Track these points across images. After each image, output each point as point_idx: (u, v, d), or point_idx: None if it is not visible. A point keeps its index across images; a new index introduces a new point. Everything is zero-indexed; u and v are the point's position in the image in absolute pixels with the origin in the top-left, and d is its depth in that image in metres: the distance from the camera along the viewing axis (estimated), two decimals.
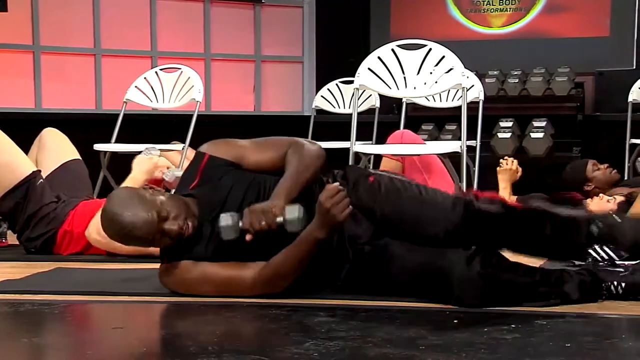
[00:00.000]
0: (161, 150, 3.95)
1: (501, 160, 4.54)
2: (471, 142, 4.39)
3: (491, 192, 2.57)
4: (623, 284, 2.44)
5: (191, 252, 2.51)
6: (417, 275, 2.43)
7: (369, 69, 3.84)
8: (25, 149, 3.78)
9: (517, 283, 2.39)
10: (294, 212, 2.38)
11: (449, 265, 2.36)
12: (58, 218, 3.55)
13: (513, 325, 2.13)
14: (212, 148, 2.58)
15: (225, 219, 2.40)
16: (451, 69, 3.76)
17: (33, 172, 3.61)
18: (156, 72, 4.83)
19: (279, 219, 2.39)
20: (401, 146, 4.02)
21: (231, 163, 2.54)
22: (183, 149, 4.29)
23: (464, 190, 3.72)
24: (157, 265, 3.06)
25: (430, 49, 3.79)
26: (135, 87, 4.79)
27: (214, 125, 5.33)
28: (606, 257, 2.58)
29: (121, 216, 2.41)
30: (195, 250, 2.51)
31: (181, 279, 2.52)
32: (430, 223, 2.41)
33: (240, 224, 2.39)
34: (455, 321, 2.20)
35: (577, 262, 2.66)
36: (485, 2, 7.04)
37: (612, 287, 2.45)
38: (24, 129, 6.51)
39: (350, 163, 3.79)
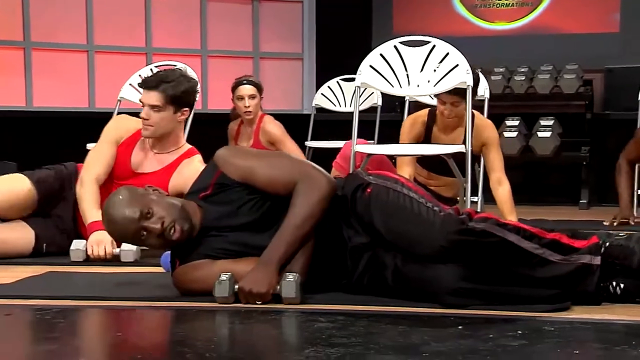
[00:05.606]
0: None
1: None
2: None
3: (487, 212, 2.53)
4: (622, 285, 2.42)
5: (204, 252, 2.58)
6: (411, 287, 2.47)
7: (370, 66, 3.76)
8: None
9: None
10: (290, 290, 2.43)
11: (438, 276, 2.40)
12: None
13: (519, 332, 2.09)
14: (225, 164, 2.63)
15: (220, 291, 2.44)
16: (456, 66, 3.67)
17: None
18: (151, 69, 4.76)
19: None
20: (404, 146, 3.94)
21: (240, 183, 2.60)
22: None
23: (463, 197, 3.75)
24: (151, 269, 3.09)
25: (435, 46, 3.71)
26: (130, 84, 4.71)
27: (210, 124, 5.21)
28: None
29: (107, 212, 2.57)
30: (206, 250, 2.59)
31: (199, 276, 2.55)
32: (420, 243, 2.44)
33: (235, 287, 2.46)
34: (459, 327, 2.16)
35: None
36: None
37: (611, 288, 2.42)
38: (15, 128, 6.35)
39: (351, 162, 3.77)
